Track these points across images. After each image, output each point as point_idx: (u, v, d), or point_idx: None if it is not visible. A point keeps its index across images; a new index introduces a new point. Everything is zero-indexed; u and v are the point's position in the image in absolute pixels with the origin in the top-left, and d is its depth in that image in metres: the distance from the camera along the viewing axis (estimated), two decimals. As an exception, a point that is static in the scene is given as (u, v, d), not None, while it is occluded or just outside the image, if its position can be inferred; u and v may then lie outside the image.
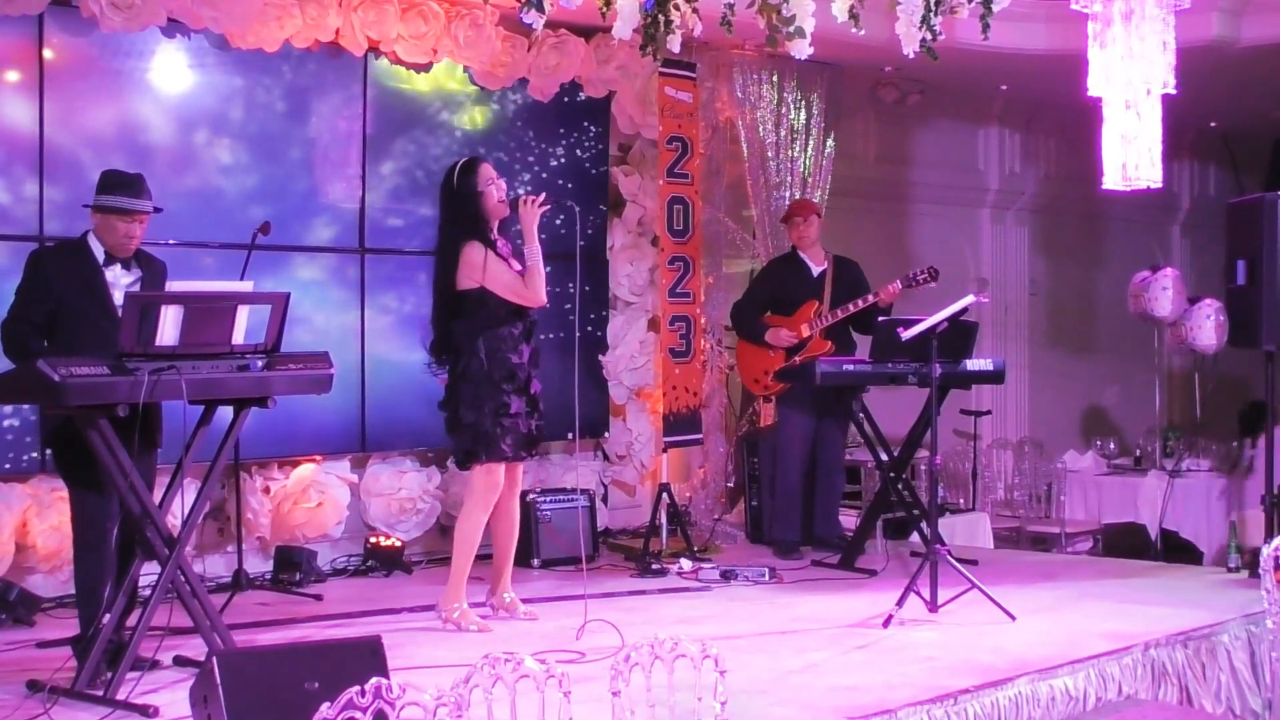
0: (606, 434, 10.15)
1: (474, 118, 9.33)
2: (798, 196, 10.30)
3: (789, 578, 8.35)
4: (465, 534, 7.01)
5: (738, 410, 10.53)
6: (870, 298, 8.83)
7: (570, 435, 9.81)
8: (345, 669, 4.80)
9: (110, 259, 6.06)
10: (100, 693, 5.54)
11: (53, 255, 6.18)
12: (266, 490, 8.46)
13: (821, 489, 9.26)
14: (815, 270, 9.24)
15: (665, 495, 9.20)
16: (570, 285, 9.15)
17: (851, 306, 8.90)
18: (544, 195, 6.97)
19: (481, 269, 6.85)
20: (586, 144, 9.91)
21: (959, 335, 7.98)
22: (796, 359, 8.90)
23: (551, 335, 9.14)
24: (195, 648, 6.05)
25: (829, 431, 9.20)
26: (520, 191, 8.22)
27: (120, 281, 6.05)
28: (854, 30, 6.70)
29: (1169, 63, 6.77)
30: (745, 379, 9.60)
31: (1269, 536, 8.18)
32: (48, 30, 7.61)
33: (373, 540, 8.76)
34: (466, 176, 6.99)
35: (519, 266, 6.93)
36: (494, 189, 6.96)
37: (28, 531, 7.55)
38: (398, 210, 8.99)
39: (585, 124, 9.90)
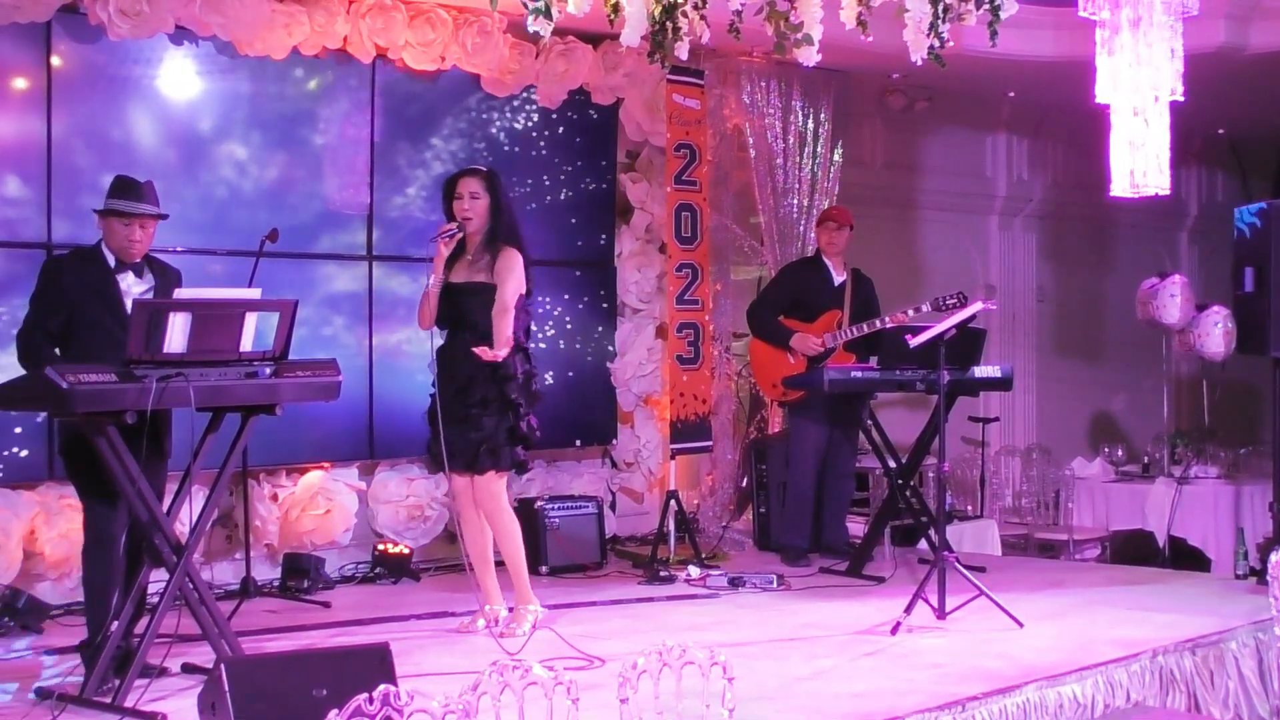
0: (614, 441, 10.15)
1: (481, 125, 9.33)
2: (805, 204, 10.32)
3: (797, 585, 8.35)
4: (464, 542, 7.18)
5: (746, 417, 10.51)
6: (901, 316, 8.74)
7: (578, 443, 9.87)
8: (353, 676, 4.81)
9: (122, 265, 6.06)
10: (108, 700, 5.55)
11: (66, 263, 6.19)
12: (274, 497, 8.47)
13: (830, 496, 9.25)
14: (837, 279, 9.22)
15: (673, 502, 9.19)
16: (568, 295, 9.25)
17: (879, 323, 8.81)
18: (450, 226, 6.90)
19: None
20: (594, 151, 9.91)
21: (967, 342, 7.98)
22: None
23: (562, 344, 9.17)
24: (203, 655, 6.05)
25: (841, 439, 9.18)
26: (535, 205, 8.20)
27: (133, 289, 6.05)
28: (862, 37, 6.71)
29: (1177, 69, 6.76)
30: (761, 383, 9.58)
31: (1277, 543, 8.18)
32: (55, 38, 7.63)
33: (381, 547, 8.77)
34: (448, 184, 7.09)
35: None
36: (460, 203, 6.93)
37: (36, 539, 7.56)
38: (404, 217, 8.99)
39: (593, 131, 9.90)
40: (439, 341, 7.02)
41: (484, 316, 6.86)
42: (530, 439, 7.01)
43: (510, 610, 7.07)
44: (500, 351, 6.69)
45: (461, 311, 6.90)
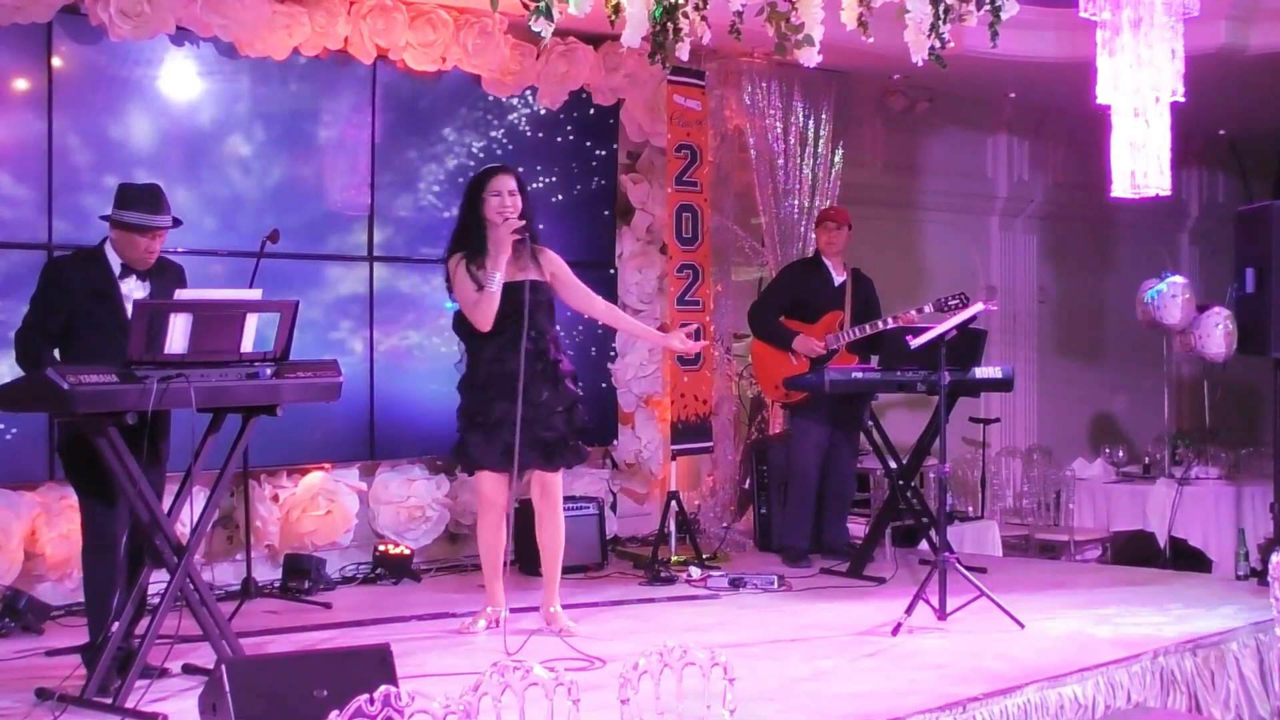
0: (615, 442, 10.14)
1: (482, 126, 9.33)
2: (805, 204, 10.32)
3: (798, 585, 8.34)
4: (479, 544, 7.09)
5: (747, 418, 10.51)
6: (902, 318, 8.74)
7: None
8: (354, 677, 4.81)
9: (127, 270, 6.04)
10: (109, 700, 5.55)
11: (69, 265, 6.17)
12: (275, 498, 8.47)
13: (831, 497, 9.26)
14: (837, 280, 9.24)
15: (674, 503, 9.19)
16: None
17: (881, 324, 8.83)
18: (522, 223, 6.82)
19: (452, 280, 6.90)
20: (595, 152, 9.91)
21: (967, 343, 7.98)
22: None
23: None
24: (204, 656, 6.05)
25: (842, 440, 9.19)
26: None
27: (135, 293, 6.02)
28: (863, 38, 6.71)
29: (1178, 70, 6.76)
30: (763, 384, 9.60)
31: (1278, 543, 8.18)
32: (56, 39, 7.62)
33: (381, 548, 8.77)
34: (478, 181, 6.97)
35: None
36: (497, 200, 6.82)
37: (37, 539, 7.56)
38: (405, 218, 8.99)
39: (594, 132, 9.90)
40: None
41: (543, 314, 6.88)
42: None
43: (543, 610, 7.10)
44: (686, 341, 7.31)
45: (516, 312, 6.81)
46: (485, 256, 6.80)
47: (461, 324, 7.00)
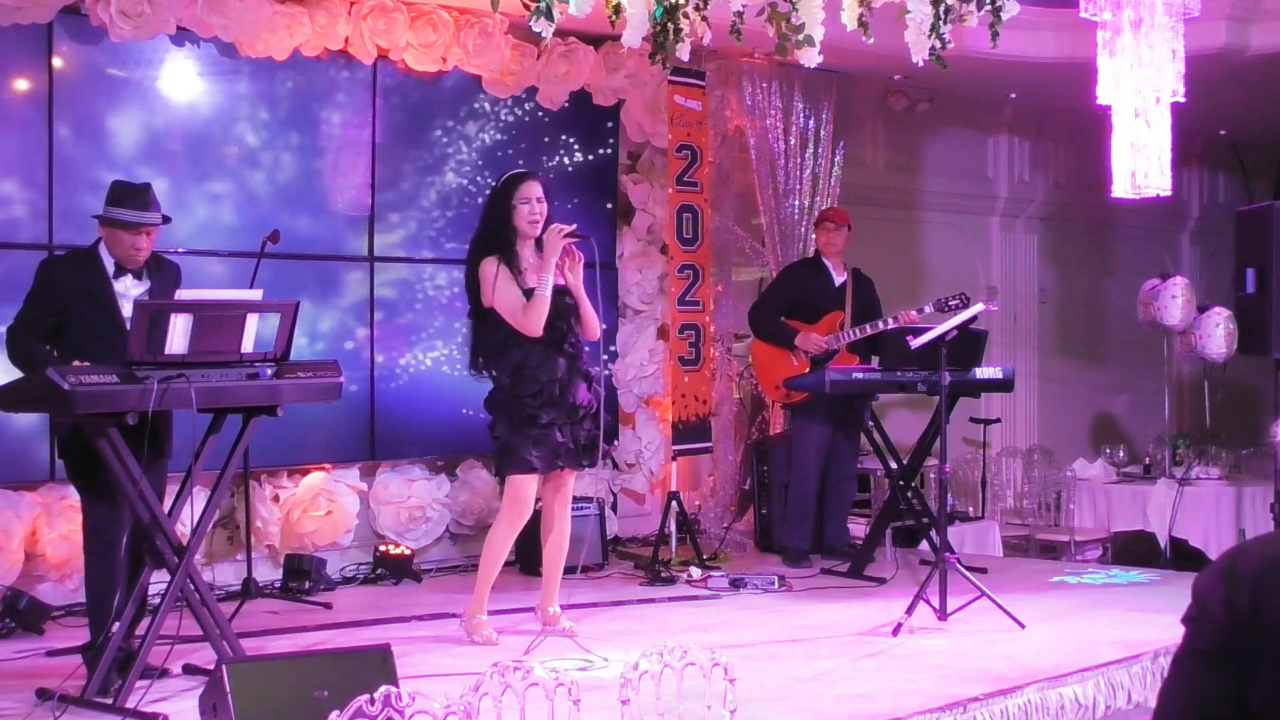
0: (616, 442, 10.14)
1: (483, 126, 9.33)
2: (806, 205, 10.32)
3: (798, 586, 8.35)
4: (488, 546, 6.97)
5: (748, 418, 10.51)
6: (903, 318, 8.74)
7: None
8: (355, 677, 4.81)
9: (121, 270, 6.04)
10: (109, 701, 5.55)
11: (62, 265, 6.18)
12: (276, 498, 8.47)
13: (832, 497, 9.26)
14: (837, 280, 9.24)
15: (675, 503, 9.19)
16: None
17: (882, 324, 8.83)
18: (574, 225, 6.81)
19: (491, 286, 6.77)
20: (595, 152, 9.91)
21: (968, 343, 7.98)
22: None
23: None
24: (205, 656, 6.05)
25: (843, 441, 9.19)
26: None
27: (130, 292, 6.01)
28: (863, 39, 6.71)
29: (1178, 71, 6.77)
30: (764, 385, 9.60)
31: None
32: (57, 39, 7.62)
33: (382, 548, 8.77)
34: (506, 187, 6.92)
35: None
36: (527, 207, 6.80)
37: (37, 540, 7.56)
38: (406, 219, 8.99)
39: (594, 132, 9.89)
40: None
41: (574, 318, 6.88)
42: None
43: (541, 610, 7.08)
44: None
45: (557, 316, 6.80)
46: (516, 260, 6.79)
47: (490, 330, 6.88)
